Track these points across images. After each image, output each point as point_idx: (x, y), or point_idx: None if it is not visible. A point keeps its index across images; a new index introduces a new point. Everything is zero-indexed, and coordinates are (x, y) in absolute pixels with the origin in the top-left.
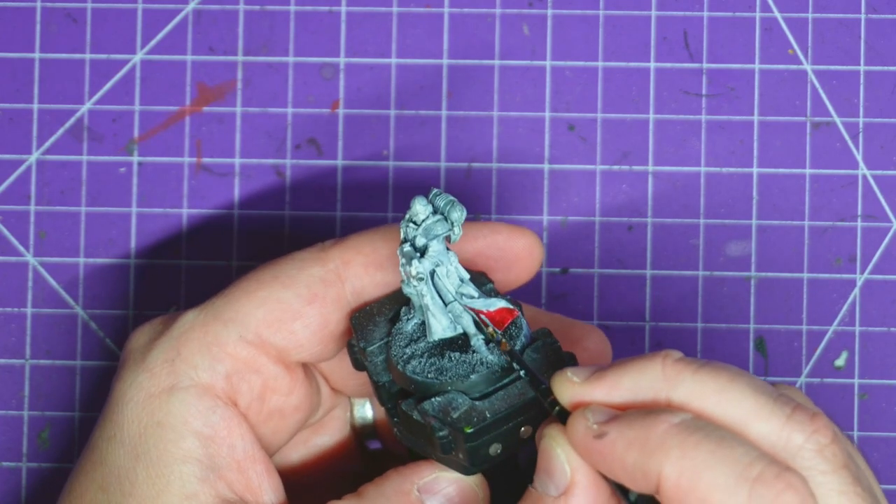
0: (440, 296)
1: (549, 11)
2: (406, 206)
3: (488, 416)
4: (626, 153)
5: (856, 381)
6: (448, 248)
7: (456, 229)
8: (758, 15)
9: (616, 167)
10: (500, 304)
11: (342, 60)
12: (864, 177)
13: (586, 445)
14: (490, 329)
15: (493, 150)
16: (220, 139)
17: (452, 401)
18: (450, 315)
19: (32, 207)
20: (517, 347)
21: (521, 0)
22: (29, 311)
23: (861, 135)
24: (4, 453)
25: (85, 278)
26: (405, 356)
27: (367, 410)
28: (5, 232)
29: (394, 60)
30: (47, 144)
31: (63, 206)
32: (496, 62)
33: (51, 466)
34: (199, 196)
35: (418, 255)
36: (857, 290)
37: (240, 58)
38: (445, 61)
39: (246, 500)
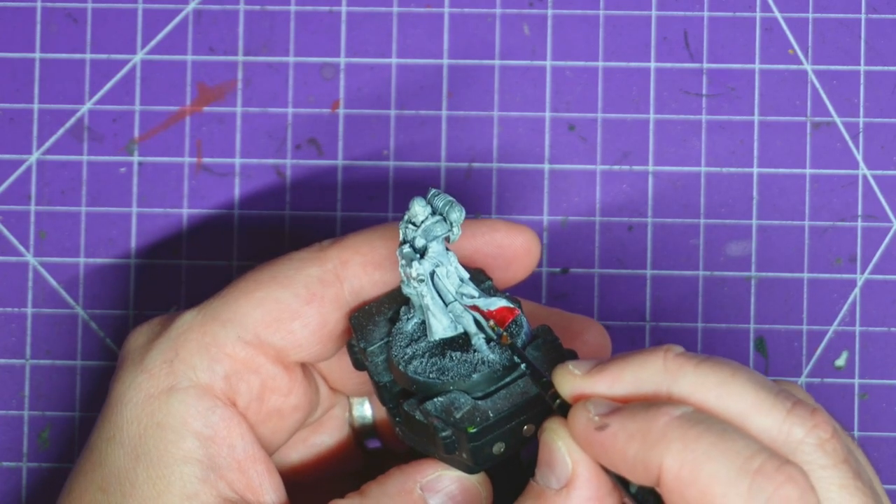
0: (440, 296)
1: (550, 11)
2: (406, 206)
3: (491, 415)
4: (627, 153)
5: (856, 381)
6: (447, 249)
7: (455, 230)
8: (758, 15)
9: (616, 167)
10: (501, 302)
11: (342, 60)
12: (865, 177)
13: (587, 437)
14: (490, 324)
15: (494, 150)
16: (221, 139)
17: (455, 400)
18: (450, 315)
19: (32, 207)
20: (517, 345)
21: (521, 0)
22: (29, 311)
23: (861, 135)
24: (4, 453)
25: (85, 278)
26: (406, 356)
27: (365, 409)
28: (5, 232)
29: (394, 60)
30: (47, 144)
31: (63, 206)
32: (496, 62)
33: (51, 466)
34: (200, 196)
35: (418, 256)
36: (857, 290)
37: (240, 58)
38: (445, 61)
39: (247, 500)
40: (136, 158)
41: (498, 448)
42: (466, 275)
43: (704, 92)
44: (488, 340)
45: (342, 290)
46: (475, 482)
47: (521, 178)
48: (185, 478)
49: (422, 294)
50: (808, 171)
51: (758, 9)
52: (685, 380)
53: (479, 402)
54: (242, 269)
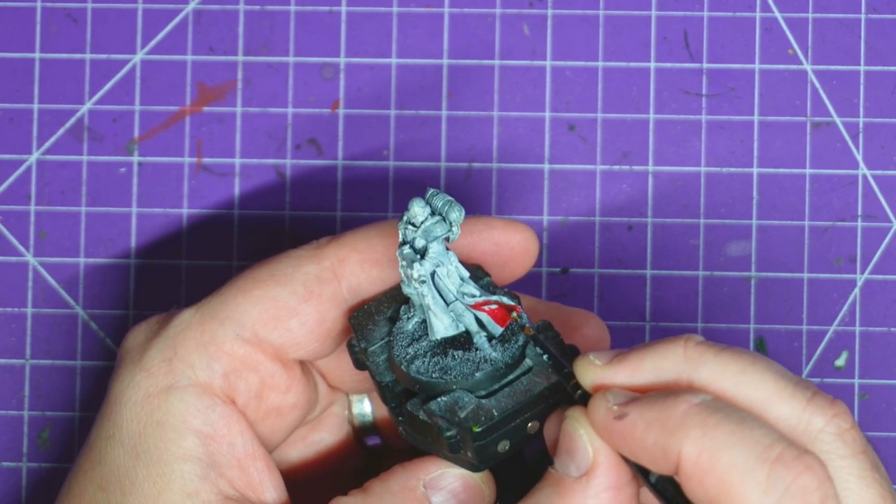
0: (441, 296)
1: (550, 11)
2: (406, 206)
3: (496, 413)
4: (626, 153)
5: (856, 381)
6: (447, 248)
7: (455, 229)
8: (758, 15)
9: (616, 167)
10: (502, 300)
11: (342, 60)
12: (864, 177)
13: (607, 427)
14: (513, 316)
15: (493, 150)
16: (221, 139)
17: (458, 400)
18: (452, 314)
19: (32, 207)
20: (518, 342)
21: (521, 0)
22: (29, 311)
23: (861, 135)
24: (4, 453)
25: (85, 278)
26: (408, 356)
27: (365, 407)
28: (5, 232)
29: (394, 60)
30: (47, 144)
31: (63, 206)
32: (496, 62)
33: (51, 466)
34: (200, 196)
35: (419, 257)
36: (857, 290)
37: (240, 58)
38: (445, 61)
39: (247, 498)
40: (135, 158)
41: (503, 446)
42: (467, 274)
43: (704, 92)
44: (490, 338)
45: (340, 287)
46: (478, 479)
47: (520, 178)
48: (186, 476)
49: (423, 294)
50: (808, 171)
51: (758, 9)
52: (705, 368)
53: (483, 401)
54: (242, 269)
